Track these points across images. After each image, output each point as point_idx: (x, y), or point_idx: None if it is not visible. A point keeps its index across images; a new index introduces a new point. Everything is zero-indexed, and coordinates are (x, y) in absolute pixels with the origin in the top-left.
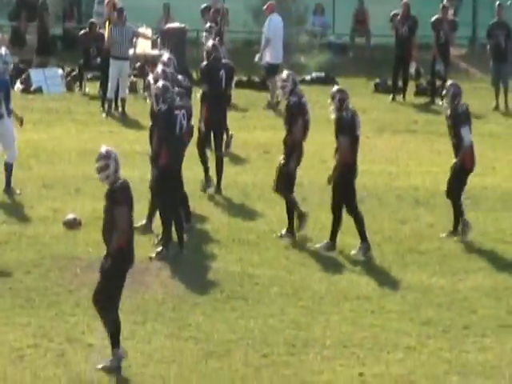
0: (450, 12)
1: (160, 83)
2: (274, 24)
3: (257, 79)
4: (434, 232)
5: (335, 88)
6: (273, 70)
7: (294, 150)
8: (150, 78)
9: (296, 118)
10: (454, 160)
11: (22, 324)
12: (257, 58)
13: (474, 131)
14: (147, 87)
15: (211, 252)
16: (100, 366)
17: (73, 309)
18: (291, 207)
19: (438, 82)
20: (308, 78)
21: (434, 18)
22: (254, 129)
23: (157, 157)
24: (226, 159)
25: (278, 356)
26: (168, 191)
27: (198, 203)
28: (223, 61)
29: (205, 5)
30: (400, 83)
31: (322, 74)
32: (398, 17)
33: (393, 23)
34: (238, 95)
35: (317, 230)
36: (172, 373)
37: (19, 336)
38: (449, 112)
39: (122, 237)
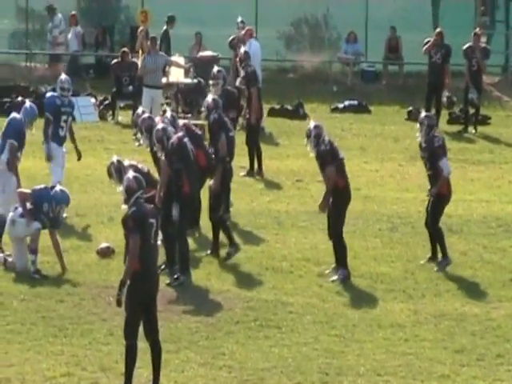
0: (483, 40)
1: (159, 126)
2: (254, 49)
3: (289, 107)
4: (468, 260)
5: (311, 125)
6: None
7: (219, 168)
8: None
9: (218, 134)
10: (430, 188)
11: (55, 353)
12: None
13: (507, 159)
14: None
15: (245, 280)
16: None
17: (106, 337)
18: (217, 227)
19: (471, 110)
20: (341, 106)
21: (466, 46)
22: (287, 157)
23: (178, 190)
24: (259, 187)
25: None
26: (187, 218)
27: (233, 232)
28: None
29: (232, 36)
30: (433, 111)
31: (355, 102)
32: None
33: (426, 49)
34: (270, 123)
35: (350, 258)
36: None
37: (52, 365)
38: (424, 145)
39: (132, 263)
